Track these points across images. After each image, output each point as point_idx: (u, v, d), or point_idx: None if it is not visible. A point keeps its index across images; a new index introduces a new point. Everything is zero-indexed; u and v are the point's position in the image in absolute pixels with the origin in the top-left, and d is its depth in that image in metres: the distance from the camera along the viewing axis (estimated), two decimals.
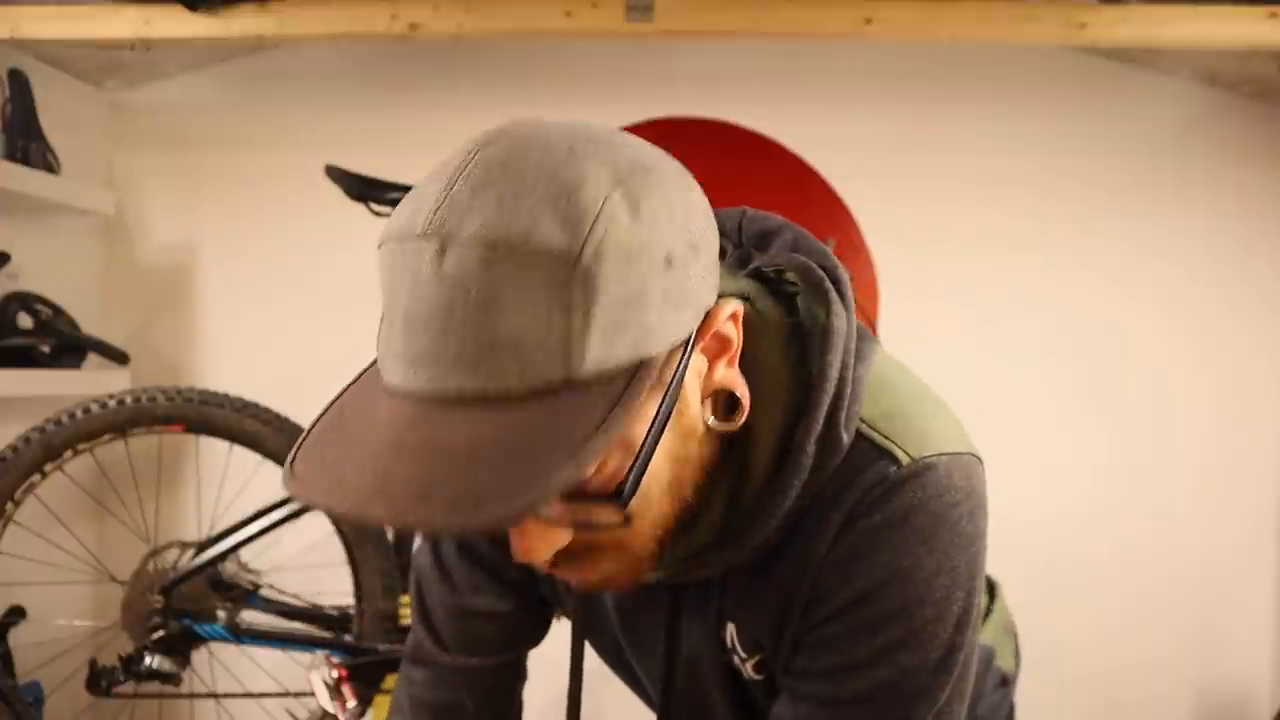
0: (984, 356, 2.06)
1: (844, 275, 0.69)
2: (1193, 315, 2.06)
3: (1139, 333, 2.06)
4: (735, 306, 0.60)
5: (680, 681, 0.79)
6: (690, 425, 0.61)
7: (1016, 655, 1.03)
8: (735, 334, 0.61)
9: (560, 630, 0.92)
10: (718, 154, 2.02)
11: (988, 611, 1.01)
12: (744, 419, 0.63)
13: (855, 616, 0.66)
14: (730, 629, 0.74)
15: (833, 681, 0.68)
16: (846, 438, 0.64)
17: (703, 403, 0.62)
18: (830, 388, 0.64)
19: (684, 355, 0.57)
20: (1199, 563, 2.05)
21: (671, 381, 0.56)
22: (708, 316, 0.58)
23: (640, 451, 0.56)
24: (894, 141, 2.06)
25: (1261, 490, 2.07)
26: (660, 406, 0.56)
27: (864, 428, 0.66)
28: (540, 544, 0.58)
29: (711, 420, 0.62)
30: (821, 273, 0.68)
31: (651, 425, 0.56)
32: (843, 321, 0.66)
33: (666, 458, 0.60)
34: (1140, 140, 2.06)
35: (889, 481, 0.64)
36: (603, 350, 0.52)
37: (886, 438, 0.65)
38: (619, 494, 0.55)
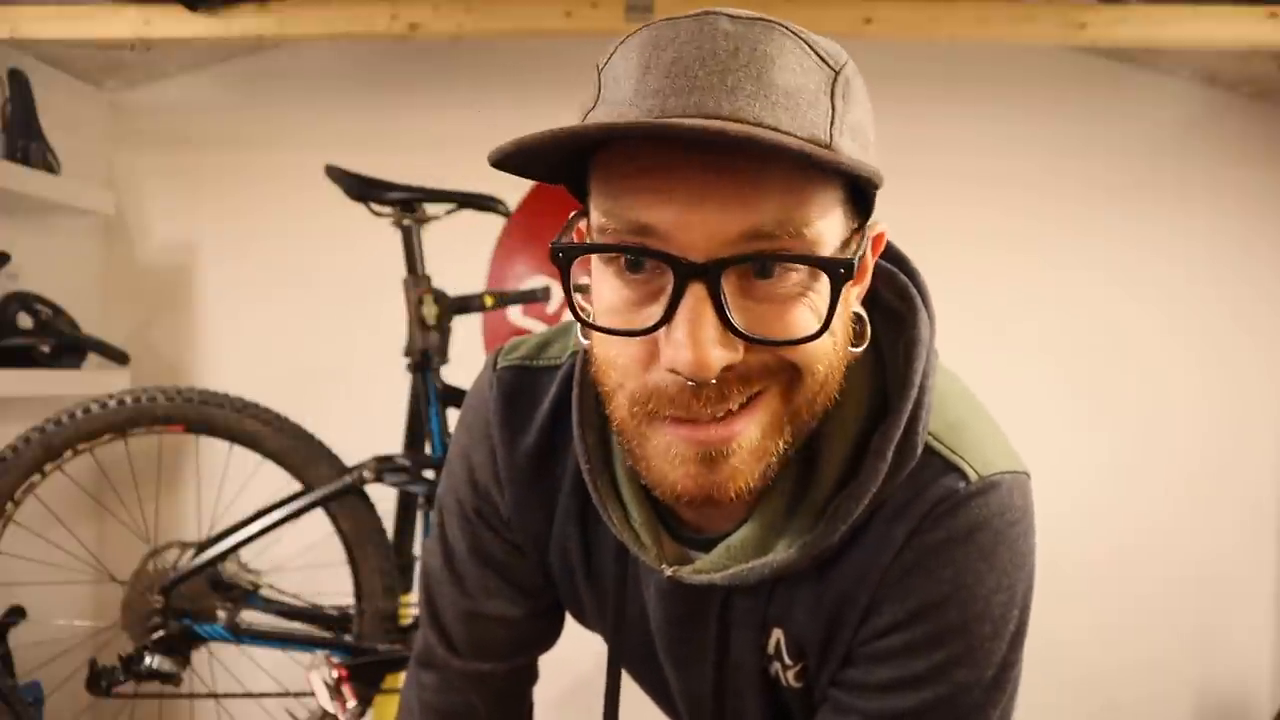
0: (983, 356, 2.05)
1: (924, 283, 0.70)
2: (1192, 315, 2.06)
3: (1138, 333, 2.06)
4: (885, 228, 0.65)
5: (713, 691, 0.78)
6: (851, 313, 0.63)
7: None
8: (870, 269, 0.65)
9: (571, 628, 0.92)
10: None
11: None
12: (864, 345, 0.63)
13: (914, 631, 0.65)
14: (777, 635, 0.72)
15: (886, 695, 0.67)
16: (920, 448, 0.64)
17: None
18: (913, 395, 0.64)
19: (864, 227, 0.61)
20: (1198, 562, 2.05)
21: (863, 233, 0.61)
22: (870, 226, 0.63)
23: (854, 251, 0.58)
24: (894, 141, 2.03)
25: (1260, 490, 2.07)
26: (857, 240, 0.60)
27: (930, 439, 0.65)
28: (720, 347, 0.54)
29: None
30: (905, 279, 0.69)
31: (857, 248, 0.59)
32: (927, 330, 0.67)
33: (845, 315, 0.60)
34: (1140, 140, 2.06)
35: (957, 497, 0.64)
36: (850, 144, 0.56)
37: (954, 452, 0.65)
38: (847, 266, 0.55)
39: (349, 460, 1.67)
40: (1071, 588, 2.05)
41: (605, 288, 0.58)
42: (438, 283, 1.65)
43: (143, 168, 2.14)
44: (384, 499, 1.67)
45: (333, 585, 1.71)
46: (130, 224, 2.14)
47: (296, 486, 1.66)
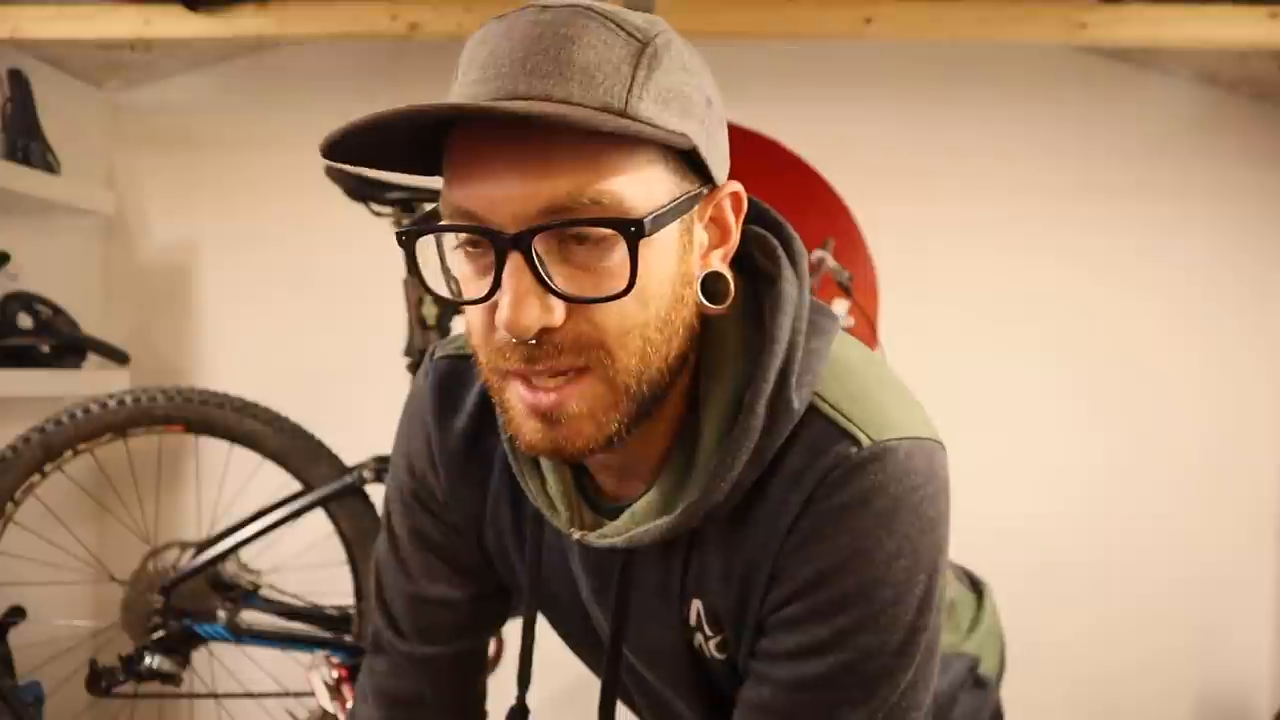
0: (983, 356, 2.06)
1: (799, 246, 0.71)
2: (1192, 315, 2.06)
3: (1138, 332, 2.06)
4: (739, 186, 0.67)
5: (643, 663, 0.79)
6: (689, 275, 0.65)
7: (1001, 657, 1.02)
8: (734, 229, 0.68)
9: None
10: None
11: (976, 618, 1.00)
12: (728, 303, 0.65)
13: (815, 598, 0.66)
14: (696, 605, 0.74)
15: (794, 663, 0.68)
16: (798, 403, 0.65)
17: (697, 278, 0.65)
18: (780, 350, 0.65)
19: (701, 187, 0.64)
20: (1198, 562, 2.05)
21: (692, 192, 0.63)
22: (715, 188, 0.66)
23: (661, 209, 0.60)
24: (894, 141, 2.06)
25: (1261, 489, 2.07)
26: (681, 199, 0.62)
27: (826, 408, 0.66)
28: (535, 309, 0.58)
29: (701, 299, 0.65)
30: (776, 241, 0.71)
31: (669, 204, 0.61)
32: (793, 287, 0.68)
33: (667, 277, 0.62)
34: (1140, 140, 2.06)
35: (850, 463, 0.65)
36: (656, 108, 0.60)
37: (849, 419, 0.66)
38: (637, 225, 0.58)
39: (349, 460, 1.67)
40: (1071, 588, 2.05)
41: (457, 263, 0.64)
42: None
43: (143, 168, 2.14)
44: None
45: (333, 585, 1.71)
46: (130, 224, 2.14)
47: (296, 486, 1.66)
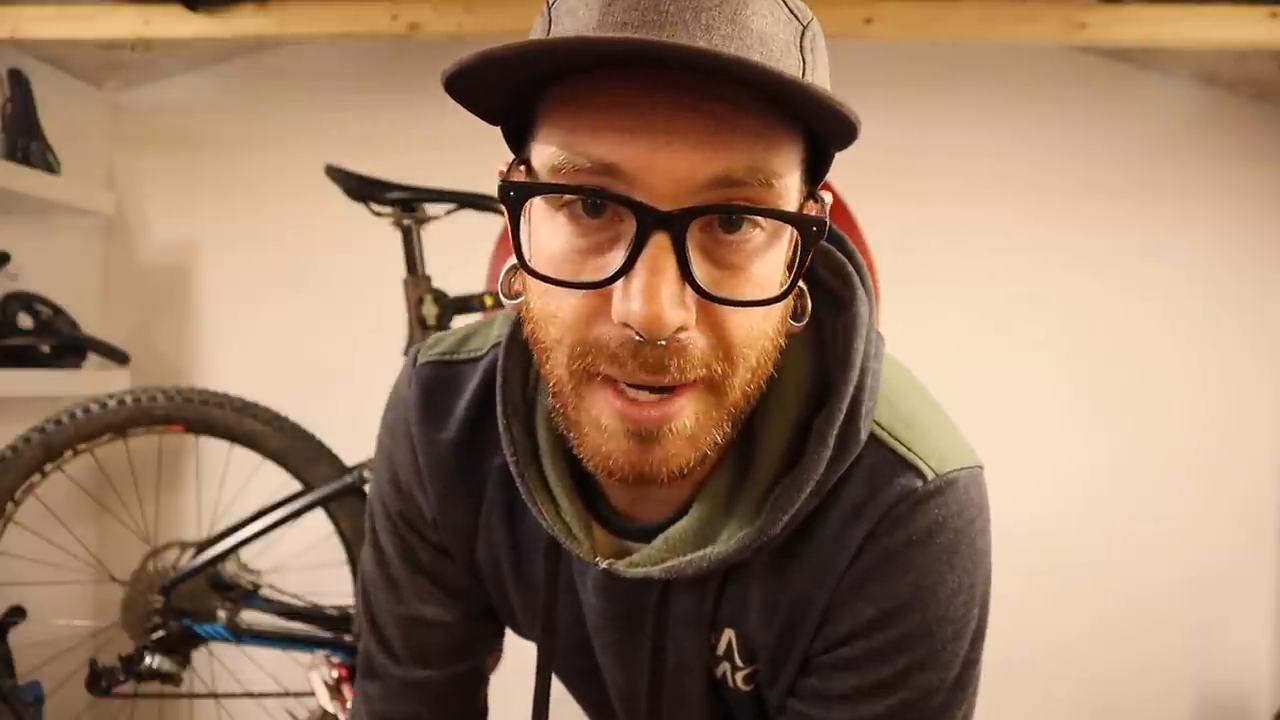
0: (984, 356, 2.06)
1: (862, 262, 0.66)
2: (1192, 315, 2.06)
3: (1138, 333, 2.06)
4: (831, 198, 0.60)
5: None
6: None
7: None
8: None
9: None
10: None
11: None
12: (806, 320, 0.60)
13: (877, 637, 0.63)
14: (729, 635, 0.69)
15: (850, 705, 0.64)
16: (864, 433, 0.61)
17: None
18: (854, 377, 0.60)
19: (810, 193, 0.58)
20: (1198, 562, 2.05)
21: (809, 198, 0.57)
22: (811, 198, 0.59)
23: (817, 221, 0.53)
24: (894, 141, 2.05)
25: (1260, 490, 2.07)
26: (807, 203, 0.56)
27: (882, 434, 0.63)
28: (678, 305, 0.50)
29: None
30: (843, 257, 0.66)
31: (822, 219, 0.54)
32: (866, 309, 0.63)
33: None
34: (1140, 140, 2.06)
35: (915, 498, 0.61)
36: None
37: (909, 449, 0.62)
38: (820, 225, 0.52)
39: (349, 460, 1.67)
40: (1072, 588, 2.05)
41: (552, 235, 0.54)
42: (438, 283, 1.65)
43: (143, 168, 2.14)
44: None
45: (333, 585, 1.71)
46: (130, 224, 2.14)
47: (296, 486, 1.66)
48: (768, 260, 0.53)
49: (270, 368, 2.07)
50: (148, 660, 1.57)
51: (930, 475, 0.62)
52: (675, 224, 0.49)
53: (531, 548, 0.74)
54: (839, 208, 2.04)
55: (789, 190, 0.52)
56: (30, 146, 1.80)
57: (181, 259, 2.15)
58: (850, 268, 0.65)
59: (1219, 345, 2.05)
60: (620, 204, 0.50)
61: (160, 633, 1.60)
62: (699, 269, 0.51)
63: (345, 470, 1.65)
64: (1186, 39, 1.66)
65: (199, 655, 1.71)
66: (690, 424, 0.54)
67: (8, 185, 1.70)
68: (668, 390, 0.53)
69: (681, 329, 0.51)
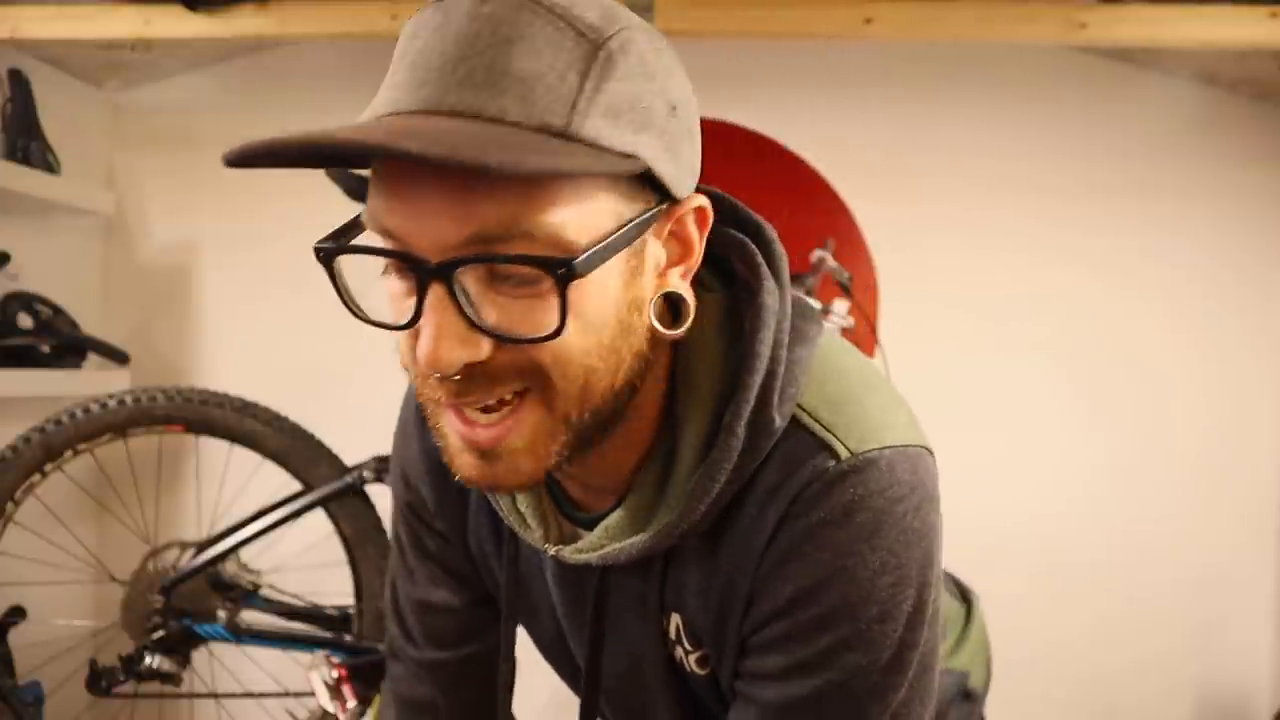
0: (983, 356, 2.06)
1: (779, 250, 0.67)
2: (1192, 315, 2.06)
3: (1138, 333, 2.06)
4: (704, 201, 0.61)
5: (619, 678, 0.77)
6: (640, 300, 0.59)
7: (988, 670, 1.01)
8: (697, 244, 0.62)
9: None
10: (717, 154, 2.00)
11: (964, 633, 0.98)
12: (685, 326, 0.61)
13: (796, 618, 0.63)
14: (676, 620, 0.72)
15: (780, 684, 0.65)
16: (779, 420, 0.62)
17: (650, 301, 0.60)
18: (761, 366, 0.62)
19: (656, 207, 0.58)
20: (1198, 562, 2.05)
21: (642, 218, 0.56)
22: (675, 203, 0.59)
23: (600, 244, 0.53)
24: (894, 141, 2.06)
25: (1260, 489, 2.07)
26: (628, 227, 0.55)
27: (804, 416, 0.63)
28: (457, 346, 0.53)
29: (655, 323, 0.59)
30: (755, 248, 0.66)
31: (613, 235, 0.54)
32: (773, 298, 0.64)
33: (611, 304, 0.57)
34: (1140, 140, 2.06)
35: (827, 477, 0.61)
36: (605, 125, 0.53)
37: (827, 429, 0.62)
38: (566, 265, 0.51)
39: (349, 460, 1.67)
40: (1072, 588, 2.05)
41: (388, 279, 0.60)
42: None
43: (143, 168, 2.14)
44: (384, 499, 1.67)
45: (333, 585, 1.71)
46: (130, 224, 2.14)
47: (296, 486, 1.66)
48: (546, 295, 0.54)
49: (270, 368, 2.07)
50: (148, 660, 1.57)
51: (844, 454, 0.62)
52: (441, 275, 0.53)
53: (510, 537, 0.79)
54: (839, 207, 2.05)
55: (570, 224, 0.53)
56: (30, 146, 1.80)
57: (181, 259, 2.15)
58: (760, 257, 0.66)
59: (1219, 345, 2.05)
60: (394, 258, 0.55)
61: (160, 633, 1.60)
62: (488, 305, 0.54)
63: (345, 470, 1.65)
64: (1186, 39, 1.66)
65: (199, 655, 1.71)
66: (525, 439, 0.58)
67: (8, 185, 1.70)
68: (498, 408, 0.57)
69: (473, 362, 0.54)
